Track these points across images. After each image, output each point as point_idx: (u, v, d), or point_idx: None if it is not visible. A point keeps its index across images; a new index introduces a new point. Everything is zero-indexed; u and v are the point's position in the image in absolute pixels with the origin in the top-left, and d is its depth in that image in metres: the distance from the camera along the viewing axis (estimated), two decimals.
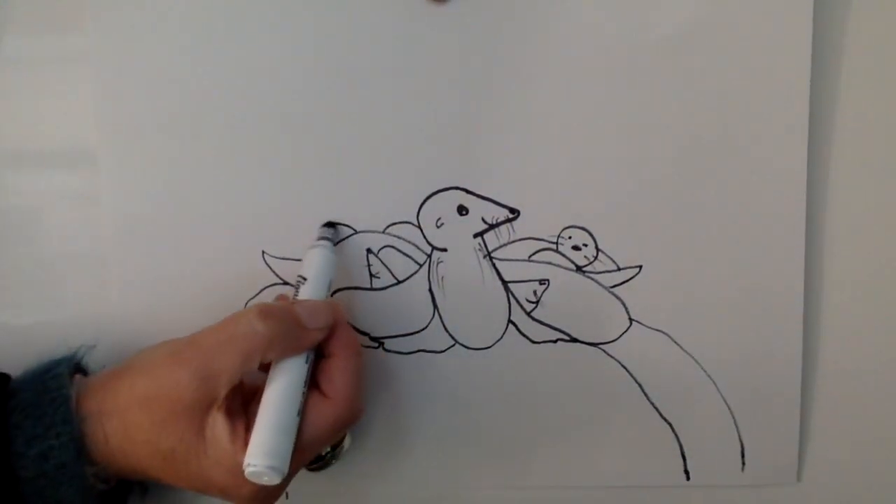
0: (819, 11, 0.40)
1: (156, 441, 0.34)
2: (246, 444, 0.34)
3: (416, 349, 0.43)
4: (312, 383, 0.37)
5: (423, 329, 0.43)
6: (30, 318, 0.43)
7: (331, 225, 0.42)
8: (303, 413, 0.36)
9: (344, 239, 0.42)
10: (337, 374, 0.37)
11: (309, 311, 0.37)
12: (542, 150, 0.41)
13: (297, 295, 0.39)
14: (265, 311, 0.36)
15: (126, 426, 0.35)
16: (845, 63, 0.41)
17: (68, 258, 0.42)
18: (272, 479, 0.34)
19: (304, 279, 0.39)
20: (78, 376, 0.37)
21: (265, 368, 0.37)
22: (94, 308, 0.42)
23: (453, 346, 0.43)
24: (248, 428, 0.35)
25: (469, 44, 0.40)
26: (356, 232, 0.42)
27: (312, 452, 0.37)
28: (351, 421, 0.37)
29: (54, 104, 0.41)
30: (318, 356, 0.38)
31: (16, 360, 0.37)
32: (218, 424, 0.34)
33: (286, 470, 0.34)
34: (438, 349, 0.43)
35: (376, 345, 0.43)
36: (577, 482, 0.45)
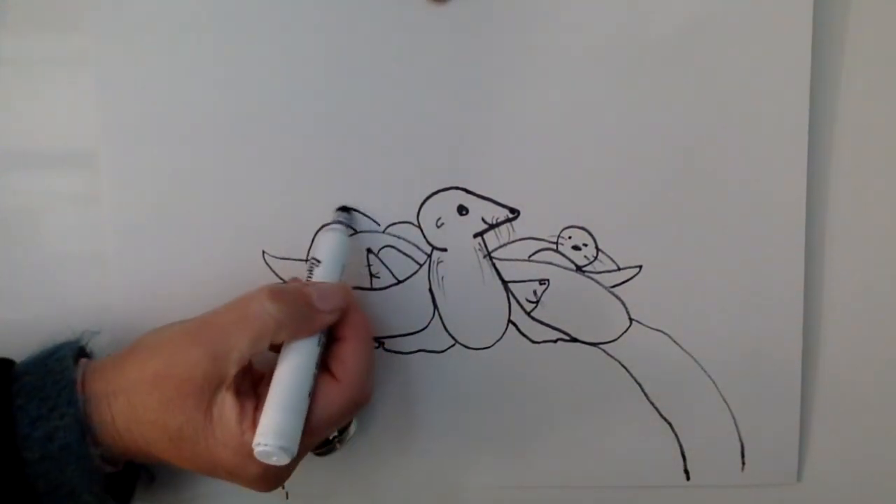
0: (819, 11, 0.40)
1: (163, 421, 0.35)
2: (254, 423, 0.34)
3: (416, 349, 0.43)
4: (323, 366, 0.37)
5: (423, 329, 0.43)
6: (30, 319, 0.43)
7: (345, 209, 0.42)
8: (313, 395, 0.36)
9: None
10: (348, 357, 0.37)
11: (321, 293, 0.37)
12: (542, 150, 0.41)
13: (310, 277, 0.38)
14: (276, 292, 0.36)
15: (133, 406, 0.35)
16: (845, 63, 0.41)
17: (69, 259, 0.42)
18: (281, 459, 0.34)
19: (318, 262, 0.39)
20: (84, 360, 0.37)
21: (277, 349, 0.36)
22: (95, 309, 0.42)
23: (453, 346, 0.43)
24: (258, 408, 0.35)
25: (469, 44, 0.40)
26: (356, 232, 0.42)
27: (321, 435, 0.37)
28: (361, 404, 0.38)
29: (55, 105, 0.41)
30: (330, 339, 0.38)
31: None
32: (226, 404, 0.35)
33: (295, 450, 0.34)
34: (438, 349, 0.43)
35: (376, 345, 0.43)
36: (578, 482, 0.45)
